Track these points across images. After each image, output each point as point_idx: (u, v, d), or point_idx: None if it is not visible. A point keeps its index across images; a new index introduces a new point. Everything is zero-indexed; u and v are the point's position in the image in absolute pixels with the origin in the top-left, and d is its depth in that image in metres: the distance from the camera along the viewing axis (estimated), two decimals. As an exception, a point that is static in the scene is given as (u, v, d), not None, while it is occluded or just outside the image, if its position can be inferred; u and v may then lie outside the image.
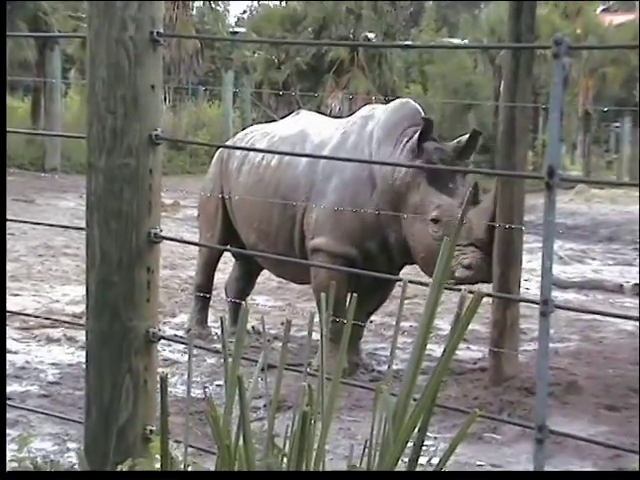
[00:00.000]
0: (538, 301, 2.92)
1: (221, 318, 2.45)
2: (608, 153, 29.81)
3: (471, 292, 2.14)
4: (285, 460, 2.08)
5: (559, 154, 3.10)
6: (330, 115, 9.88)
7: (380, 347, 7.73)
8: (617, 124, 29.29)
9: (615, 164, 27.98)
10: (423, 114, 6.98)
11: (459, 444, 2.08)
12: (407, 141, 6.78)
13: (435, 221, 6.52)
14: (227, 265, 8.80)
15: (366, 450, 2.11)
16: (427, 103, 25.10)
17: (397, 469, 1.98)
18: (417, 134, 6.66)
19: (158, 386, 3.09)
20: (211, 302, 8.09)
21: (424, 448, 2.09)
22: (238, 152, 7.68)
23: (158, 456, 2.86)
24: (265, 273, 8.25)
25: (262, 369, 2.26)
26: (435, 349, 7.45)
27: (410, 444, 2.05)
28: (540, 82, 24.38)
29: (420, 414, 2.00)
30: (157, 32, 2.76)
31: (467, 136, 6.77)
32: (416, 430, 2.04)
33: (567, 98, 26.60)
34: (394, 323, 8.07)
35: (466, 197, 6.48)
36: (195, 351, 6.86)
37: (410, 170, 6.62)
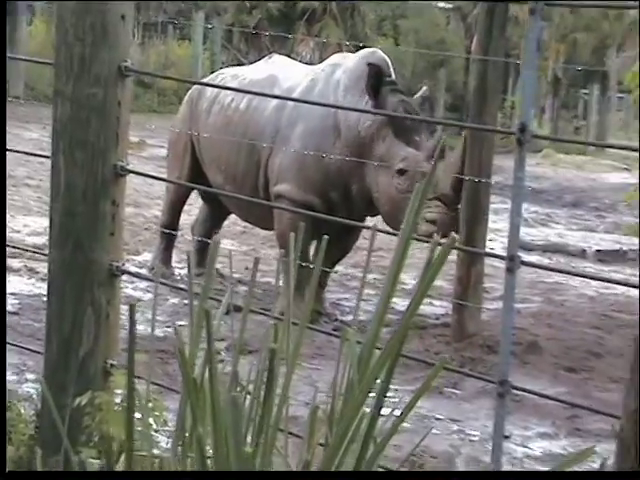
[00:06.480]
0: (505, 257, 2.90)
1: (188, 254, 2.40)
2: (576, 119, 29.92)
3: (440, 244, 2.08)
4: (249, 398, 2.05)
5: (531, 111, 3.04)
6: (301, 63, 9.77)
7: (343, 297, 7.70)
8: (586, 91, 29.36)
9: (582, 130, 28.11)
10: (391, 65, 6.93)
11: (423, 395, 2.06)
12: None
13: (401, 173, 6.51)
14: (193, 207, 8.72)
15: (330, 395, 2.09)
16: (398, 58, 24.94)
17: (360, 416, 1.94)
18: (366, 81, 6.62)
19: (121, 321, 3.02)
20: (176, 243, 8.03)
21: (386, 400, 2.06)
22: (208, 93, 7.62)
23: (118, 390, 2.83)
24: (230, 217, 8.19)
25: (227, 312, 2.23)
26: (399, 303, 7.45)
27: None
28: (511, 44, 24.30)
29: (386, 360, 1.96)
30: (127, -41, 2.70)
31: (425, 89, 6.86)
32: (380, 378, 2.01)
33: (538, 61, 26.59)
34: (358, 274, 8.07)
35: (435, 150, 6.43)
36: (158, 290, 6.80)
37: (376, 121, 6.61)
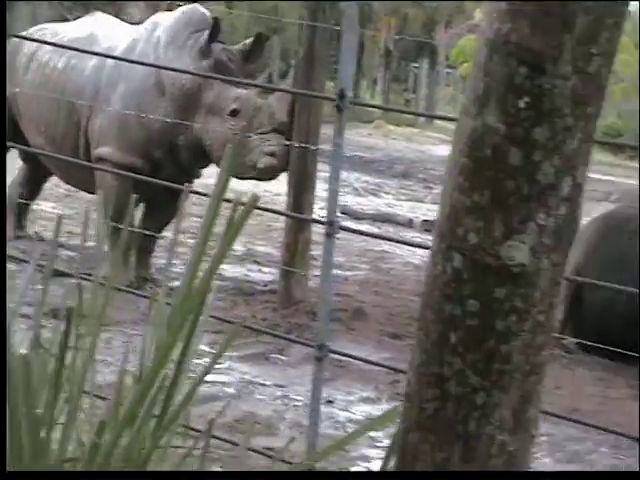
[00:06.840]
0: (324, 222, 2.87)
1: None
2: (407, 92, 30.53)
3: (243, 204, 2.03)
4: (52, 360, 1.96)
5: (350, 78, 3.01)
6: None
7: (171, 263, 7.54)
8: (416, 65, 29.98)
9: (412, 103, 28.72)
10: (211, 18, 6.86)
11: (220, 357, 2.07)
12: (194, 44, 6.70)
13: (234, 113, 6.49)
14: (9, 168, 8.35)
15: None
16: (231, 23, 24.69)
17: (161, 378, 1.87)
18: (206, 34, 6.62)
19: None
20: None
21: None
22: (26, 48, 7.32)
23: None
24: (53, 179, 7.90)
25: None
26: (227, 269, 7.37)
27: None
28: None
29: (184, 321, 1.90)
30: None
31: (252, 39, 6.85)
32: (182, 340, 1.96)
33: (370, 33, 26.94)
34: (188, 240, 7.85)
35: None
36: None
37: (200, 71, 6.54)
